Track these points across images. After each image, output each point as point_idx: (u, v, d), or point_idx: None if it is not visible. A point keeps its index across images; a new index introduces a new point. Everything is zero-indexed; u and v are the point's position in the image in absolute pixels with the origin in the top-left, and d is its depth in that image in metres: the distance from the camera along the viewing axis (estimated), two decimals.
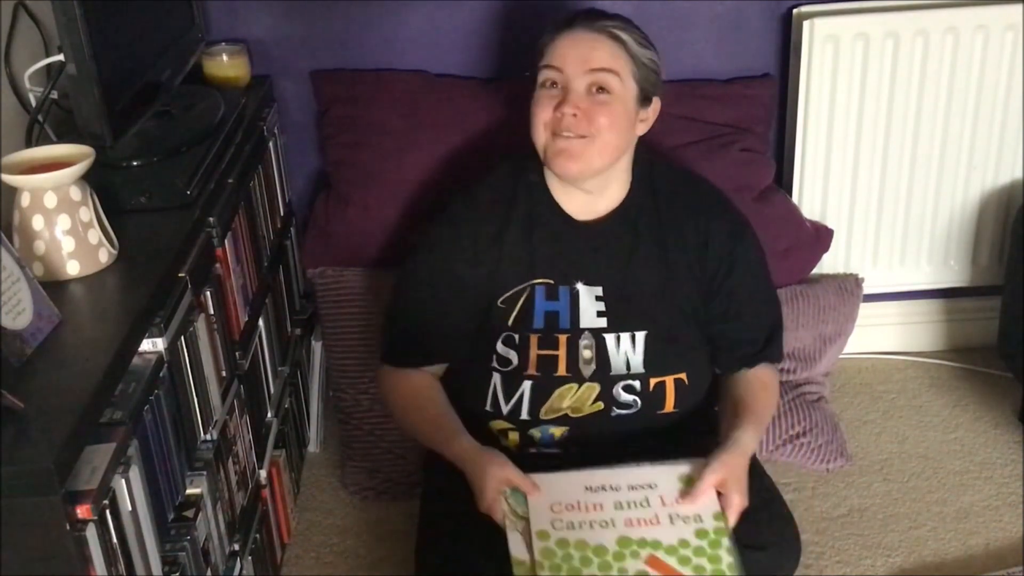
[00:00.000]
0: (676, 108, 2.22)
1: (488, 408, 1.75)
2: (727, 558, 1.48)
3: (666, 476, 1.58)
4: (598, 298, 1.75)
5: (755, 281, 1.83)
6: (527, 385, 1.72)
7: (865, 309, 2.43)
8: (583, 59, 1.66)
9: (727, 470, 1.58)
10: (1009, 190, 2.40)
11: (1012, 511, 2.11)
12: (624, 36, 1.69)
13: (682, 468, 1.60)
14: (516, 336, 1.74)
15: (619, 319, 1.74)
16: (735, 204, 1.86)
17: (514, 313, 1.74)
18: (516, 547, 1.50)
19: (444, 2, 2.22)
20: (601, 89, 1.67)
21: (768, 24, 2.29)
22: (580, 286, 1.75)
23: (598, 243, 1.77)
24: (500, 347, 1.74)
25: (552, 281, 1.75)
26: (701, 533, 1.51)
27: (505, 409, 1.74)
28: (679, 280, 1.76)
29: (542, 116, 1.68)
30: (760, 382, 1.81)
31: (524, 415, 1.73)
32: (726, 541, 1.50)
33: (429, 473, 1.90)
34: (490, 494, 1.57)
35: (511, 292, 1.74)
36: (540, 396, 1.72)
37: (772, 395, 1.84)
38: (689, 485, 1.57)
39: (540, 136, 1.70)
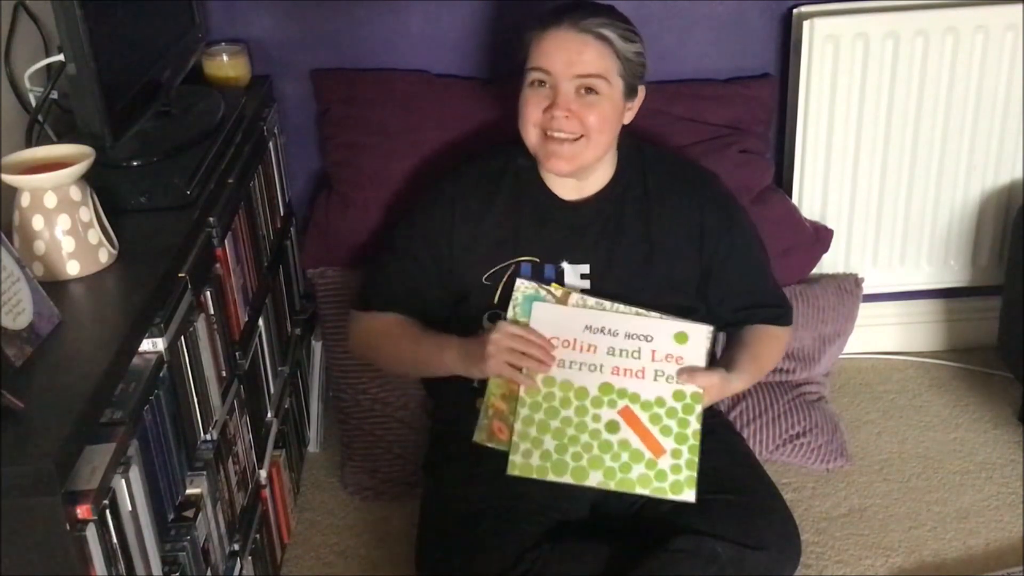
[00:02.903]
0: (676, 108, 2.23)
1: (475, 384, 1.77)
2: (694, 425, 1.61)
3: (663, 330, 1.66)
4: (584, 276, 1.78)
5: (757, 254, 1.87)
6: None
7: (865, 309, 2.43)
8: (570, 63, 1.67)
9: (714, 385, 1.67)
10: (1009, 190, 2.40)
11: (1012, 511, 2.11)
12: (610, 34, 1.69)
13: (680, 326, 1.67)
14: (502, 313, 1.76)
15: (604, 297, 1.76)
16: (723, 183, 1.88)
17: (499, 290, 1.77)
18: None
19: (444, 2, 2.22)
20: (590, 90, 1.68)
21: (768, 24, 2.29)
22: (566, 265, 1.78)
23: (584, 222, 1.80)
24: (486, 323, 1.78)
25: (538, 259, 1.78)
26: (678, 395, 1.63)
27: None
28: (667, 258, 1.79)
29: (532, 116, 1.71)
30: (769, 335, 1.87)
31: None
32: (698, 408, 1.62)
33: (429, 473, 1.90)
34: (490, 349, 1.62)
35: (496, 268, 1.77)
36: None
37: (779, 347, 1.92)
38: (682, 343, 1.65)
39: (531, 135, 1.73)
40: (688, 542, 1.59)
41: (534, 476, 1.61)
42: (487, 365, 1.64)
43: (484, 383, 1.76)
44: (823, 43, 2.22)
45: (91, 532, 1.12)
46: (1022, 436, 2.31)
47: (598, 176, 1.79)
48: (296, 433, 2.25)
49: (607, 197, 1.79)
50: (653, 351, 1.64)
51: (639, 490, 1.60)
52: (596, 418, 1.59)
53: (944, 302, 2.58)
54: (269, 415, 2.02)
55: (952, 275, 2.50)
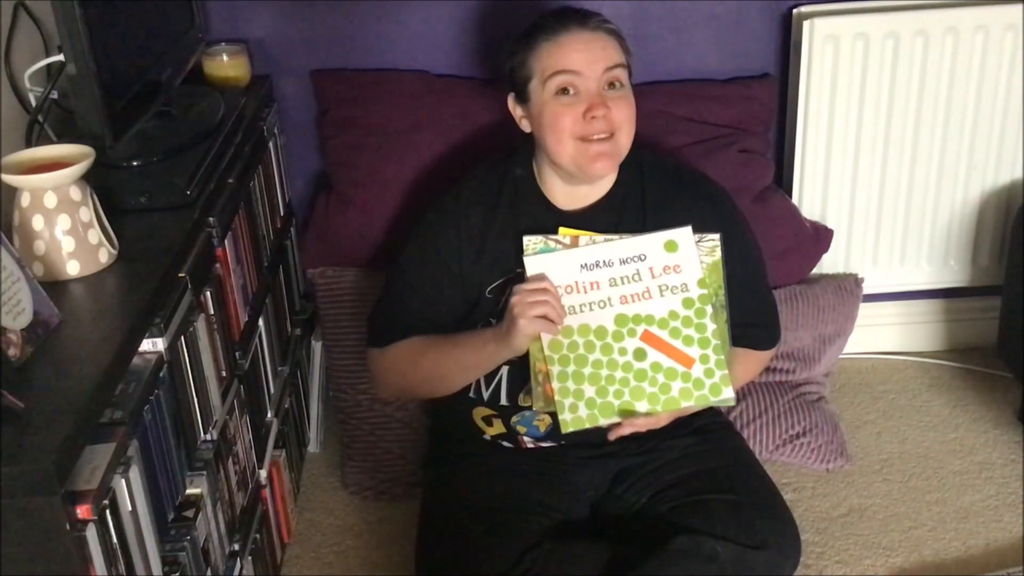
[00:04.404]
0: (676, 108, 2.23)
1: (471, 394, 1.78)
2: (711, 325, 1.64)
3: (652, 245, 1.67)
4: None
5: (752, 266, 1.84)
6: (504, 370, 1.74)
7: (865, 309, 2.43)
8: (596, 59, 1.66)
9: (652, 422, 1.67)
10: (1009, 190, 2.40)
11: (1012, 511, 2.11)
12: (615, 28, 1.71)
13: (665, 235, 1.67)
14: (493, 321, 1.75)
15: None
16: (725, 190, 1.86)
17: (501, 303, 1.74)
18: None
19: (444, 2, 2.22)
20: (614, 85, 1.68)
21: (768, 24, 2.29)
22: None
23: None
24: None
25: None
26: (687, 302, 1.65)
27: (485, 394, 1.77)
28: None
29: (570, 128, 1.66)
30: (752, 357, 1.87)
31: (503, 400, 1.76)
32: (708, 309, 1.64)
33: (429, 473, 1.90)
34: (515, 312, 1.60)
35: (499, 282, 1.75)
36: (517, 381, 1.74)
37: (758, 368, 1.96)
38: (673, 251, 1.66)
39: (567, 147, 1.68)
40: (688, 542, 1.59)
41: (587, 426, 1.64)
42: (518, 329, 1.60)
43: (479, 392, 1.77)
44: (823, 43, 2.22)
45: (91, 532, 1.12)
46: (1022, 436, 2.31)
47: (598, 185, 1.77)
48: (296, 433, 2.25)
49: (606, 206, 1.77)
50: (651, 268, 1.65)
51: (684, 404, 1.64)
52: (622, 351, 1.62)
53: (944, 302, 2.58)
54: (269, 415, 2.02)
55: (952, 275, 2.50)
